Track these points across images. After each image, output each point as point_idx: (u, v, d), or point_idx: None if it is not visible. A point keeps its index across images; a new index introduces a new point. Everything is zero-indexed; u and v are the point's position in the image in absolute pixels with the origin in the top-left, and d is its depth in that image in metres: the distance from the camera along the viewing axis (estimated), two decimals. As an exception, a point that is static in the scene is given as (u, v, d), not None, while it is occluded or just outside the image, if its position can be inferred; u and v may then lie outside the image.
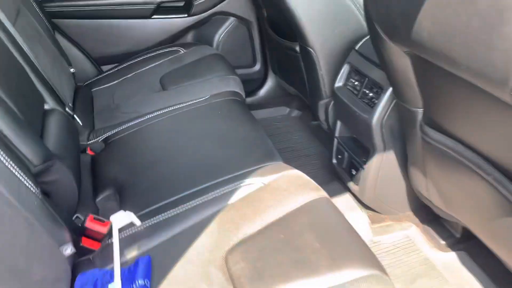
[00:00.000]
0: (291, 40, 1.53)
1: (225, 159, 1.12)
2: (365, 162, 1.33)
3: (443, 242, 1.36)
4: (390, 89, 1.17)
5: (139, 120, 1.38)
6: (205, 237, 0.90)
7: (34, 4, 1.53)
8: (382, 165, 1.30)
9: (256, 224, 0.90)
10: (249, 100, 2.16)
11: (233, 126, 1.26)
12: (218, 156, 1.13)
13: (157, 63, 1.72)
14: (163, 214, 0.97)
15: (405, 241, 1.41)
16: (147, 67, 1.71)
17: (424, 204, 1.30)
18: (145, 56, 1.78)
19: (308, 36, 1.34)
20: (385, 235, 1.42)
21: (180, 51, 1.77)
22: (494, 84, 0.63)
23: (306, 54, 1.42)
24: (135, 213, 0.98)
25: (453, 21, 0.65)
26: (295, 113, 2.17)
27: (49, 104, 1.15)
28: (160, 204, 1.01)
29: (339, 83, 1.39)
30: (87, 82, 1.73)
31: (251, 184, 1.02)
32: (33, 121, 0.99)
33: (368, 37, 1.33)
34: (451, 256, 1.33)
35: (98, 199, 1.13)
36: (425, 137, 1.04)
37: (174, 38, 1.93)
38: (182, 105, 1.40)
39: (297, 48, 1.51)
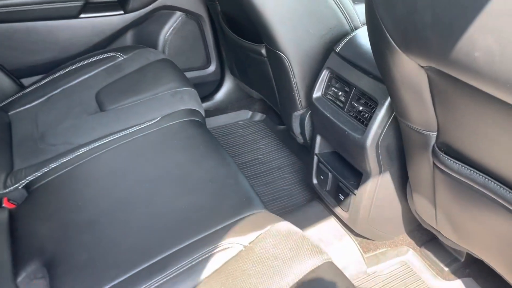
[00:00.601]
0: (256, 42, 1.27)
1: (189, 211, 0.86)
2: (355, 187, 1.12)
3: (446, 269, 1.18)
4: (387, 102, 0.95)
5: (71, 157, 1.07)
6: None
7: None
8: (377, 190, 1.09)
9: (242, 316, 0.66)
10: (205, 105, 1.89)
11: (196, 159, 0.99)
12: (179, 207, 0.87)
13: (90, 74, 1.39)
14: (110, 306, 0.70)
15: (404, 270, 1.22)
16: (77, 80, 1.38)
17: (420, 225, 1.11)
18: (75, 66, 1.44)
19: (278, 38, 1.09)
20: (380, 264, 1.22)
21: (118, 57, 1.45)
22: None
23: (276, 59, 1.17)
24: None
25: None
26: (259, 116, 1.93)
27: None
28: (106, 287, 0.74)
29: (317, 92, 1.15)
30: (2, 103, 1.38)
31: (228, 249, 0.77)
32: None
33: (350, 36, 1.10)
34: (457, 285, 1.16)
35: (19, 279, 0.83)
36: (439, 164, 0.83)
37: (110, 41, 1.60)
38: (126, 132, 1.11)
39: (263, 52, 1.25)
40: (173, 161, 0.99)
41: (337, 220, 1.31)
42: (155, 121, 1.13)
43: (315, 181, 1.30)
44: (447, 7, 0.50)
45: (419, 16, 0.55)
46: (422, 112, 0.78)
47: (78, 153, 1.07)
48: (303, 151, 1.62)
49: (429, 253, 1.23)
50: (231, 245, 0.77)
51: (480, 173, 0.75)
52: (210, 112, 1.90)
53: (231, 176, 0.93)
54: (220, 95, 1.89)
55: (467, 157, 0.76)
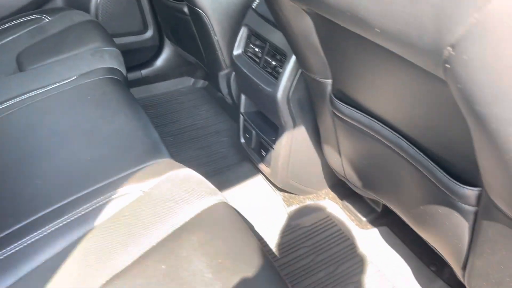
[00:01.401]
0: (178, 0, 1.26)
1: (93, 162, 0.86)
2: (274, 142, 1.15)
3: (364, 219, 1.25)
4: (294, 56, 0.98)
5: (-17, 116, 1.05)
6: (61, 278, 0.66)
7: None
8: (293, 143, 1.12)
9: (130, 253, 0.68)
10: (145, 72, 1.87)
11: (108, 114, 0.99)
12: (84, 158, 0.87)
13: (13, 36, 1.35)
14: (4, 250, 0.71)
15: (325, 222, 1.28)
16: (1, 42, 1.34)
17: (341, 180, 1.16)
18: (-2, 28, 1.40)
19: (194, -6, 1.09)
20: (303, 217, 1.27)
21: (44, 19, 1.41)
22: (419, 53, 0.45)
23: (197, 16, 1.17)
24: (-34, 251, 0.71)
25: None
26: (201, 83, 1.93)
27: None
28: (2, 234, 0.74)
29: (237, 50, 1.16)
30: None
31: (126, 194, 0.78)
32: None
33: (266, -8, 1.11)
34: (374, 233, 1.23)
35: None
36: (335, 111, 0.86)
37: (38, 3, 1.55)
38: (42, 90, 1.09)
39: (186, 10, 1.25)
40: (84, 116, 0.99)
41: (264, 177, 1.35)
42: (71, 79, 1.12)
43: (242, 140, 1.33)
44: None
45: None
46: (315, 60, 0.80)
47: (-10, 113, 1.05)
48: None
49: (349, 205, 1.28)
50: (130, 191, 0.78)
51: (366, 116, 0.78)
52: (151, 79, 1.89)
53: (140, 128, 0.94)
54: (160, 61, 1.87)
55: (357, 102, 0.80)
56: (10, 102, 1.08)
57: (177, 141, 1.62)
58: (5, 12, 1.50)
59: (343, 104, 0.83)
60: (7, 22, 1.43)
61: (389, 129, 0.75)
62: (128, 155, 0.88)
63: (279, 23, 0.80)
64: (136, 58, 1.81)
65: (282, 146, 1.12)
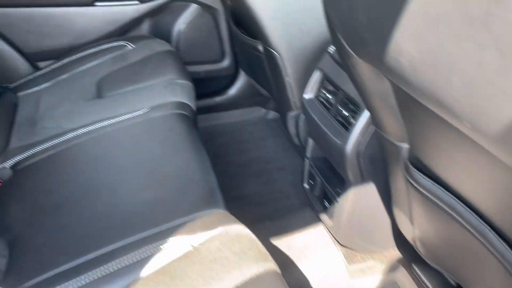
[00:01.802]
0: (254, 38, 1.24)
1: (148, 205, 0.85)
2: (339, 194, 1.07)
3: (434, 291, 1.11)
4: (369, 109, 0.89)
5: (59, 140, 1.10)
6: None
7: None
8: (360, 199, 1.03)
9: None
10: (218, 99, 1.88)
11: (170, 153, 0.98)
12: (140, 199, 0.86)
13: (97, 61, 1.43)
14: (51, 291, 0.71)
15: (390, 287, 1.16)
16: (84, 67, 1.42)
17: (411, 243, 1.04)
18: (85, 52, 1.48)
19: (270, 35, 1.06)
20: (365, 278, 1.17)
21: (127, 46, 1.48)
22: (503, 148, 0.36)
23: (270, 56, 1.13)
24: (19, 284, 0.73)
25: (452, 50, 0.37)
26: (272, 115, 1.89)
27: None
28: (51, 273, 0.75)
29: (308, 94, 1.11)
30: (14, 85, 1.44)
31: (176, 247, 0.75)
32: None
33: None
34: (445, 310, 1.08)
35: (-16, 254, 0.86)
36: (410, 179, 0.77)
37: (125, 30, 1.63)
38: (114, 121, 1.12)
39: (260, 48, 1.22)
40: (148, 153, 0.99)
41: (326, 229, 1.26)
42: (143, 111, 1.13)
43: (306, 185, 1.26)
44: (376, 7, 0.46)
45: (357, 15, 0.51)
46: (390, 121, 0.72)
47: (65, 138, 1.10)
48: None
49: (418, 271, 1.15)
50: (179, 244, 0.75)
51: (447, 192, 0.68)
52: (222, 107, 1.89)
53: (200, 171, 0.92)
54: (233, 90, 1.87)
55: (436, 175, 0.70)
56: (84, 130, 1.12)
57: (241, 173, 1.60)
58: (93, 37, 1.59)
59: (421, 174, 0.73)
60: (94, 47, 1.51)
61: (474, 214, 0.64)
62: (184, 200, 0.85)
63: (352, 80, 0.73)
64: (210, 85, 1.83)
65: (348, 201, 1.04)
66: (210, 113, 1.89)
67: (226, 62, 1.81)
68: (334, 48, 1.05)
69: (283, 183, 1.53)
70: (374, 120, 0.79)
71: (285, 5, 1.03)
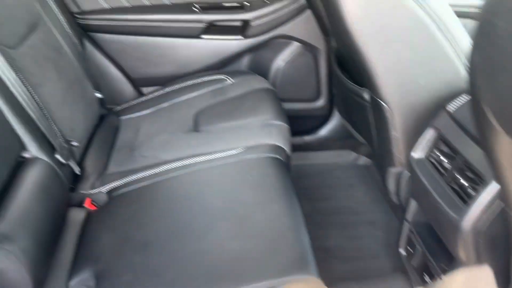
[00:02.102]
0: (359, 84, 1.17)
1: (237, 258, 0.80)
2: (445, 272, 0.93)
3: None
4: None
5: (154, 171, 1.10)
6: None
7: (60, 15, 1.33)
8: (471, 283, 0.89)
9: None
10: (308, 138, 1.82)
11: (262, 201, 0.93)
12: (228, 249, 0.82)
13: (197, 93, 1.45)
14: None
15: None
16: (185, 97, 1.45)
17: None
18: (186, 83, 1.51)
19: (381, 87, 0.98)
20: None
21: (226, 80, 1.48)
22: None
23: (377, 107, 1.05)
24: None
25: None
26: (363, 160, 1.78)
27: (31, 151, 0.91)
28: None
29: (418, 153, 1.00)
30: (119, 108, 1.51)
31: (261, 313, 0.69)
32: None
33: (467, 96, 0.93)
34: None
35: (72, 282, 0.87)
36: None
37: (225, 62, 1.65)
38: (207, 158, 1.11)
39: (366, 96, 1.14)
40: (240, 198, 0.95)
41: (420, 302, 1.12)
42: (237, 152, 1.11)
43: (402, 251, 1.13)
44: None
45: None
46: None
47: (160, 170, 1.10)
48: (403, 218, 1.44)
49: None
50: (265, 312, 0.69)
51: None
52: (312, 146, 1.83)
53: (293, 228, 0.85)
54: (324, 131, 1.81)
55: None
56: (179, 163, 1.11)
57: (326, 222, 1.50)
58: (195, 67, 1.63)
59: None
60: (195, 78, 1.54)
61: None
62: (273, 260, 0.79)
63: (489, 155, 0.62)
64: (301, 124, 1.78)
65: (456, 281, 0.90)
66: (298, 151, 1.83)
67: (320, 102, 1.76)
68: (455, 106, 0.94)
69: (372, 240, 1.41)
70: (505, 196, 0.67)
71: (402, 57, 0.95)
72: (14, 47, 1.02)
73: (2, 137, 0.85)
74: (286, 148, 1.15)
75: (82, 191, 1.10)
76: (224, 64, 1.66)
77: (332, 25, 1.28)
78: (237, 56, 1.65)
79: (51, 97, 1.07)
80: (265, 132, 1.18)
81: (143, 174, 1.11)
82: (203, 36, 1.59)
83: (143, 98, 1.53)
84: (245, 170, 1.04)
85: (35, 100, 1.00)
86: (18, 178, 0.85)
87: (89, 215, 1.04)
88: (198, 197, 0.98)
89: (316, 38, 1.62)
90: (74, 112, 1.18)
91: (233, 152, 1.11)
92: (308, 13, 1.57)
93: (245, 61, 1.69)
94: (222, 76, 1.51)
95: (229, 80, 1.48)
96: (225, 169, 1.06)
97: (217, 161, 1.09)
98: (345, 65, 1.33)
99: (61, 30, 1.29)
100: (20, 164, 0.88)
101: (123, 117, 1.44)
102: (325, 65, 1.66)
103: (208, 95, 1.43)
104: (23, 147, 0.90)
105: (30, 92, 0.99)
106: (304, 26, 1.59)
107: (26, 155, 0.90)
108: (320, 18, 1.49)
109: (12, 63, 0.97)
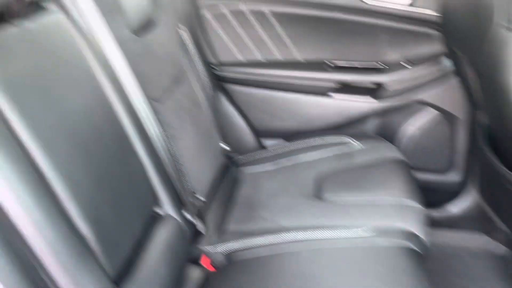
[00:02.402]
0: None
1: None
2: None
3: None
4: None
5: (274, 239, 1.05)
6: None
7: (201, 66, 1.38)
8: None
9: None
10: (435, 214, 1.63)
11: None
12: None
13: (321, 155, 1.38)
14: None
15: None
16: (308, 157, 1.39)
17: None
18: (310, 143, 1.46)
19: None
20: None
21: (352, 144, 1.40)
22: None
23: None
24: None
25: None
26: (498, 249, 1.54)
27: (163, 207, 0.92)
28: None
29: None
30: (241, 158, 1.50)
31: None
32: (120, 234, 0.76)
33: None
34: None
35: None
36: None
37: (351, 124, 1.57)
38: (332, 236, 1.02)
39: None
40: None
41: None
42: (364, 232, 1.00)
43: None
44: None
45: None
46: None
47: (280, 239, 1.04)
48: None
49: None
50: None
51: None
52: (436, 223, 1.64)
53: None
54: (454, 207, 1.61)
55: None
56: (299, 235, 1.04)
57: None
58: (318, 125, 1.58)
59: None
60: (318, 136, 1.48)
61: None
62: None
63: None
64: (428, 196, 1.61)
65: None
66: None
67: (452, 176, 1.58)
68: None
69: None
70: None
71: None
72: (159, 100, 1.06)
73: (141, 191, 0.87)
74: (422, 236, 1.02)
75: (199, 246, 1.08)
76: (350, 125, 1.59)
77: (488, 98, 1.13)
78: (364, 117, 1.57)
79: (186, 150, 1.09)
80: (397, 214, 1.06)
81: (262, 240, 1.06)
82: (332, 94, 1.54)
83: (266, 153, 1.50)
84: (373, 259, 0.93)
85: (170, 153, 1.02)
86: (150, 235, 0.85)
87: (209, 277, 1.01)
88: (319, 283, 0.89)
89: (456, 107, 1.48)
90: (202, 165, 1.19)
91: (360, 233, 1.01)
92: (452, 80, 1.43)
93: (371, 123, 1.60)
94: (347, 139, 1.43)
95: (355, 143, 1.40)
96: (350, 254, 0.96)
97: (342, 243, 1.00)
98: (500, 147, 1.16)
99: (199, 82, 1.34)
100: (152, 220, 0.89)
101: (246, 170, 1.43)
102: (465, 138, 1.49)
103: (332, 158, 1.36)
104: (156, 202, 0.91)
105: (167, 145, 1.01)
106: (446, 94, 1.46)
107: (158, 211, 0.91)
108: (469, 88, 1.35)
109: (157, 117, 1.00)
